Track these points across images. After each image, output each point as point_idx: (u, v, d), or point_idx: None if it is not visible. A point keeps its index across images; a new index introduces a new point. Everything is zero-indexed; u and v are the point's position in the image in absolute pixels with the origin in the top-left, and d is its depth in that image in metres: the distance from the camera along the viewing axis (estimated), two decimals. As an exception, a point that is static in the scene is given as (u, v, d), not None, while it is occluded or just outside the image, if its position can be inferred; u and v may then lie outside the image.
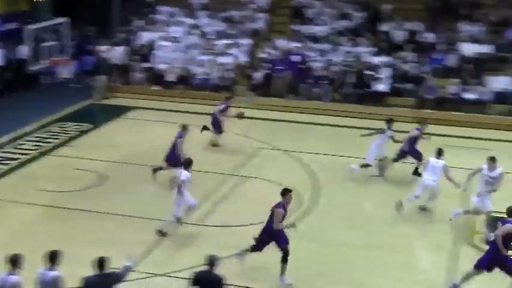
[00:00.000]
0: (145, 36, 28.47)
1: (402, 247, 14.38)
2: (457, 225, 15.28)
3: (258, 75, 26.29)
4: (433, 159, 15.71)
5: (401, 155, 18.07)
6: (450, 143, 19.68)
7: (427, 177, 15.70)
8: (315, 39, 27.48)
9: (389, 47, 26.57)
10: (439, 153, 15.72)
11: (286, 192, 12.53)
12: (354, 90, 25.18)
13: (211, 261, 10.18)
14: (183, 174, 14.11)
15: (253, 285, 12.49)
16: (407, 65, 25.69)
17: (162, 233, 14.27)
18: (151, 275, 12.71)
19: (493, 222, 15.16)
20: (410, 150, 17.89)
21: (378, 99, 24.86)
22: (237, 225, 14.81)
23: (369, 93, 24.98)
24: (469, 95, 24.40)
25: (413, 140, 17.91)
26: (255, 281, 12.65)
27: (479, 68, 25.13)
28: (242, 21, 28.94)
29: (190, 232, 14.71)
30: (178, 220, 14.27)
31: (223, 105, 20.53)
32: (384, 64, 25.65)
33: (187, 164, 14.36)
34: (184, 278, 10.70)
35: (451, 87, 24.63)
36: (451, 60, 25.62)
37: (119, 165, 18.77)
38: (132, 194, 16.68)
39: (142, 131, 22.28)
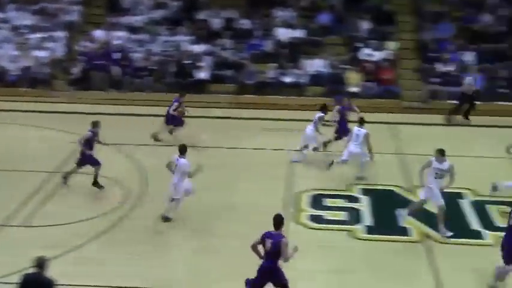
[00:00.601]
0: (-51, 33, 26.79)
1: (224, 231, 14.60)
2: (285, 203, 15.82)
3: (77, 69, 25.60)
4: (356, 128, 17.10)
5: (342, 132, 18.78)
6: (270, 126, 20.25)
7: (352, 144, 17.08)
8: (133, 29, 27.18)
9: (207, 35, 26.86)
10: (361, 122, 17.18)
11: (281, 220, 10.82)
12: (176, 80, 25.26)
13: (40, 263, 9.79)
14: (181, 161, 14.42)
15: (89, 283, 12.25)
16: (226, 52, 26.16)
17: (166, 219, 14.64)
18: (-25, 283, 12.05)
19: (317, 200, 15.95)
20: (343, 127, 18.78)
21: (200, 87, 25.08)
22: (65, 223, 14.37)
23: (190, 82, 25.14)
24: (287, 79, 25.30)
25: (344, 115, 18.95)
26: (89, 278, 12.40)
27: (294, 52, 26.10)
28: (55, 13, 27.96)
29: (16, 234, 14.13)
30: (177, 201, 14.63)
31: (176, 103, 20.05)
32: (203, 52, 25.93)
33: (183, 150, 14.57)
34: (12, 283, 10.23)
35: (270, 71, 25.40)
36: (268, 46, 26.39)
37: None
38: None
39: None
